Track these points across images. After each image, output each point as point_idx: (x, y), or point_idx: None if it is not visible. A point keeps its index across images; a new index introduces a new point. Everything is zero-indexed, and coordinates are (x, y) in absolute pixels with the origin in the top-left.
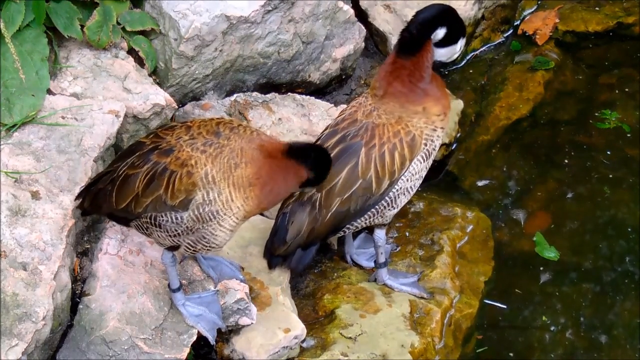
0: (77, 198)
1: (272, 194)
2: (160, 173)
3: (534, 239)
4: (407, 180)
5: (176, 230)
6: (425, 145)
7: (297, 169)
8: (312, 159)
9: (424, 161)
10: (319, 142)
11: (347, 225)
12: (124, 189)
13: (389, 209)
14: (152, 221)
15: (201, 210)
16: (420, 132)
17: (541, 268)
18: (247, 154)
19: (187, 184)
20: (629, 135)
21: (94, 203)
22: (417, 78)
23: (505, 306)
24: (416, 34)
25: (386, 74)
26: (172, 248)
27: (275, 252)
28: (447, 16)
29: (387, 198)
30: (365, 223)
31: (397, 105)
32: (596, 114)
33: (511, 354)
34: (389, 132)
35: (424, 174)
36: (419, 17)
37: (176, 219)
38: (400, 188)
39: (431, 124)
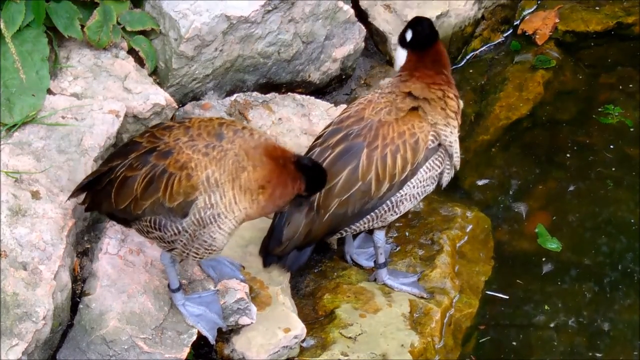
0: (73, 195)
1: (279, 200)
2: (159, 175)
3: (536, 230)
4: (414, 187)
5: (181, 241)
6: (433, 142)
7: (300, 183)
8: (314, 179)
9: (437, 167)
10: (321, 139)
11: (345, 228)
12: (122, 191)
13: (390, 214)
14: (153, 225)
15: (202, 214)
16: (424, 136)
17: (541, 267)
18: (254, 157)
19: (186, 186)
20: (631, 129)
21: (95, 201)
22: (440, 65)
23: (507, 296)
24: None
25: (412, 62)
26: (171, 248)
27: (272, 252)
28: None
29: (388, 202)
30: (365, 227)
31: (422, 86)
32: (599, 110)
33: (512, 351)
34: (394, 133)
35: (434, 181)
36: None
37: (177, 230)
38: (406, 194)
39: (445, 118)
